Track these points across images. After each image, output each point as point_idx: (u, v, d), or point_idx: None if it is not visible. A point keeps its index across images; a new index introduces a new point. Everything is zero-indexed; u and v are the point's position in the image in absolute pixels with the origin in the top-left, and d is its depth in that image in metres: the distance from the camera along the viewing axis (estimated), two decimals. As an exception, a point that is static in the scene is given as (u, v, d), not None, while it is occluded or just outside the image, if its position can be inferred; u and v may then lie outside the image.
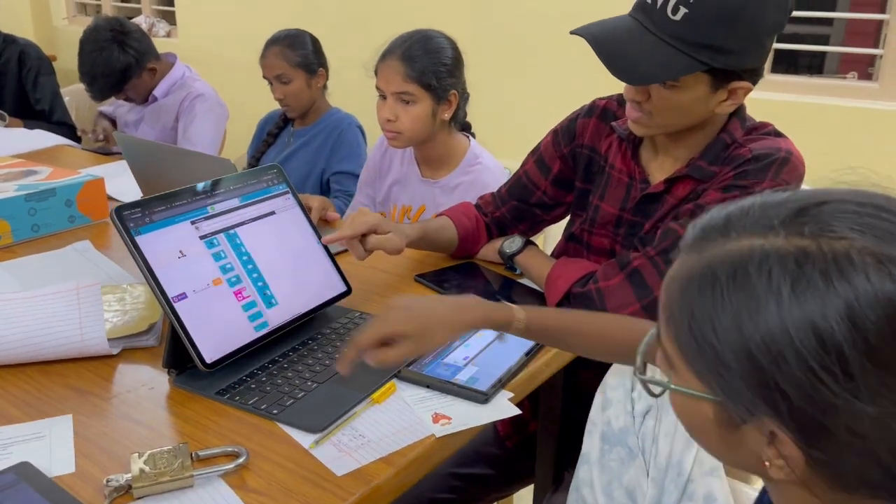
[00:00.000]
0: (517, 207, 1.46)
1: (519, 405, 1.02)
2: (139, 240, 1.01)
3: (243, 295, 1.10)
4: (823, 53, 7.75)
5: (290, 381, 1.03)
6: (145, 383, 1.04)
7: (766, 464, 0.56)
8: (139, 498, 0.81)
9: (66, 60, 3.66)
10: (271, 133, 2.37)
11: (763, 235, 0.55)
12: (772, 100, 2.48)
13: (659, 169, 1.27)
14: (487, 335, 1.16)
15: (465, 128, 1.81)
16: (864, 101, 2.40)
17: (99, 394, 1.02)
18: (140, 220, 1.02)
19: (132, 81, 2.49)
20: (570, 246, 1.40)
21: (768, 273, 0.52)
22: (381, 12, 3.29)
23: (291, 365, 1.07)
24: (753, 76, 1.13)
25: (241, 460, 0.86)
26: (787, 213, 0.55)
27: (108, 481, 0.81)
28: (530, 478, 1.47)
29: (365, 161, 2.02)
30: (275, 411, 0.96)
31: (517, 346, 1.13)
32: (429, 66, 1.62)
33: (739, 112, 1.22)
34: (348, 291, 1.26)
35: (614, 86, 1.28)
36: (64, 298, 1.11)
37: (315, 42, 2.28)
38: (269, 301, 1.13)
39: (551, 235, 1.71)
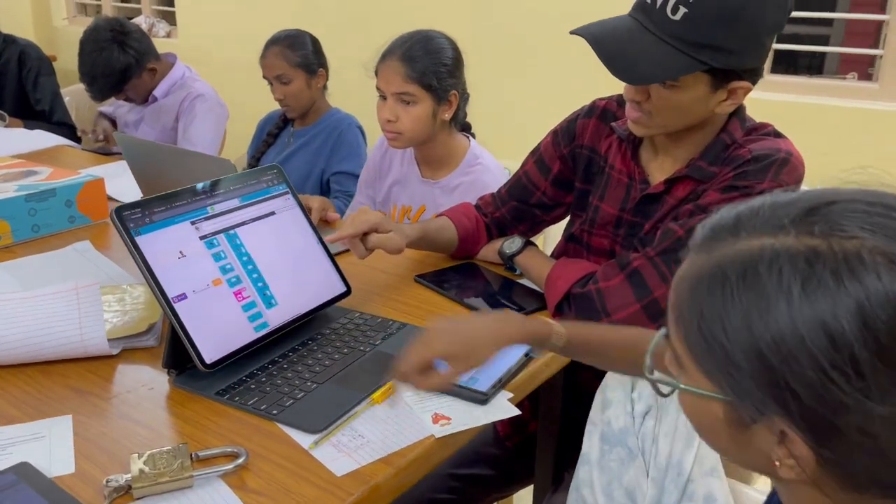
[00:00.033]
0: (517, 208, 1.46)
1: (519, 405, 1.02)
2: (139, 240, 1.01)
3: (243, 295, 1.10)
4: (823, 54, 7.75)
5: (290, 381, 1.03)
6: (145, 383, 1.04)
7: (777, 463, 0.56)
8: (139, 498, 0.81)
9: (67, 61, 3.66)
10: (271, 133, 2.37)
11: (773, 235, 0.54)
12: (772, 100, 2.48)
13: (659, 169, 1.27)
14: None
15: (466, 128, 1.81)
16: (864, 102, 2.40)
17: (99, 394, 1.02)
18: (140, 221, 1.02)
19: (132, 82, 2.49)
20: (569, 246, 1.40)
21: (779, 272, 0.52)
22: (381, 12, 3.30)
23: (291, 365, 1.07)
24: (753, 76, 1.13)
25: (240, 461, 0.86)
26: (798, 212, 0.55)
27: (107, 482, 0.82)
28: (530, 478, 1.47)
29: (365, 161, 2.02)
30: (274, 412, 0.96)
31: (517, 346, 1.13)
32: (429, 66, 1.62)
33: (739, 112, 1.22)
34: (348, 292, 1.26)
35: (614, 86, 1.28)
36: (63, 299, 1.11)
37: (315, 42, 2.28)
38: (269, 301, 1.13)
39: (551, 236, 1.71)
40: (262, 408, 0.97)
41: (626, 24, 1.13)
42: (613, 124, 1.32)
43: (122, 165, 2.01)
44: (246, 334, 1.08)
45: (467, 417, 0.97)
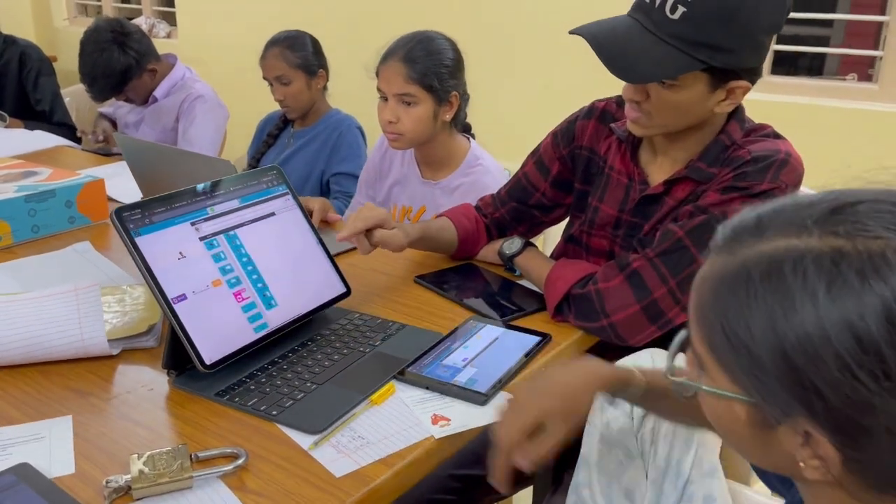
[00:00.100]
0: (516, 209, 1.46)
1: (518, 406, 1.02)
2: (139, 241, 1.01)
3: (243, 296, 1.10)
4: (823, 55, 7.74)
5: (290, 382, 1.03)
6: (145, 384, 1.04)
7: (801, 465, 0.55)
8: (138, 499, 0.81)
9: (67, 61, 3.66)
10: (271, 134, 2.37)
11: (797, 235, 0.54)
12: (772, 101, 2.48)
13: (658, 170, 1.27)
14: (485, 337, 1.16)
15: (466, 129, 1.81)
16: (864, 103, 2.40)
17: (98, 395, 1.02)
18: (140, 222, 1.03)
19: (132, 82, 2.49)
20: (569, 247, 1.40)
21: (803, 273, 0.52)
22: (381, 14, 3.30)
23: (291, 366, 1.07)
24: (752, 76, 1.14)
25: (240, 461, 0.86)
26: (821, 212, 0.55)
27: (107, 482, 0.82)
28: (530, 479, 1.46)
29: (365, 162, 2.02)
30: (274, 412, 0.96)
31: (516, 347, 1.13)
32: (430, 67, 1.62)
33: (738, 113, 1.22)
34: (348, 293, 1.26)
35: (613, 87, 1.28)
36: (63, 300, 1.11)
37: (315, 43, 2.29)
38: (269, 302, 1.13)
39: (551, 237, 1.71)
40: (262, 408, 0.97)
41: (626, 23, 1.13)
42: (613, 125, 1.33)
43: (122, 166, 2.01)
44: (246, 335, 1.08)
45: (467, 418, 0.97)
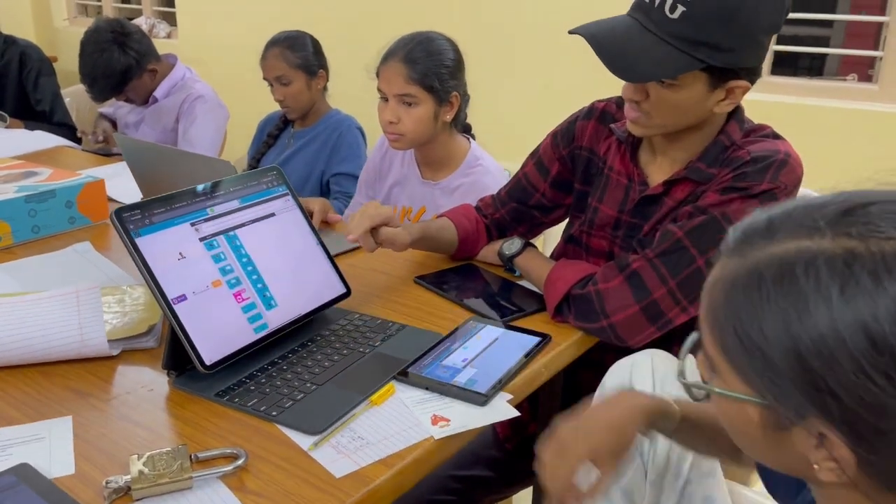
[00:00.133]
0: (516, 209, 1.47)
1: (518, 407, 1.02)
2: (139, 241, 1.01)
3: (243, 297, 1.10)
4: (823, 55, 7.74)
5: (290, 382, 1.03)
6: (145, 385, 1.04)
7: (815, 466, 0.55)
8: (138, 500, 0.81)
9: (67, 61, 3.66)
10: (271, 134, 2.37)
11: (809, 237, 0.54)
12: (772, 101, 2.49)
13: (657, 171, 1.27)
14: (485, 337, 1.16)
15: (466, 129, 1.82)
16: (864, 103, 2.41)
17: (98, 395, 1.02)
18: (140, 222, 1.03)
19: (133, 83, 2.49)
20: (568, 248, 1.40)
21: (816, 275, 0.52)
22: (381, 14, 3.30)
23: (291, 367, 1.07)
24: (751, 75, 1.14)
25: (240, 462, 0.86)
26: (833, 214, 0.55)
27: (107, 483, 0.82)
28: (529, 480, 1.47)
29: (365, 162, 2.02)
30: (274, 413, 0.96)
31: (516, 348, 1.13)
32: (431, 68, 1.62)
33: (737, 114, 1.22)
34: (348, 293, 1.26)
35: (613, 88, 1.28)
36: (64, 301, 1.11)
37: (315, 43, 2.29)
38: (269, 303, 1.13)
39: (551, 237, 1.71)
40: (262, 409, 0.97)
41: (625, 23, 1.13)
42: (612, 126, 1.33)
43: (122, 166, 2.01)
44: (245, 335, 1.08)
45: (466, 419, 0.97)
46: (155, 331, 1.15)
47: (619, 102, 1.35)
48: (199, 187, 1.12)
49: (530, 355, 1.12)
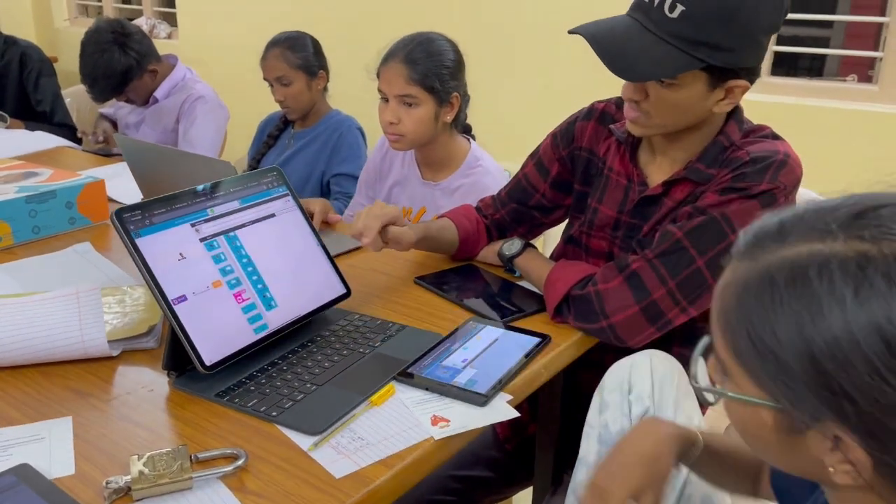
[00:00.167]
0: (516, 210, 1.47)
1: (518, 407, 1.02)
2: (139, 242, 1.01)
3: (243, 297, 1.10)
4: (823, 56, 7.76)
5: (290, 383, 1.03)
6: (145, 385, 1.05)
7: (831, 469, 0.55)
8: (138, 500, 0.81)
9: (68, 62, 3.67)
10: (271, 135, 2.37)
11: (821, 240, 0.54)
12: (772, 102, 2.49)
13: (657, 171, 1.27)
14: (485, 338, 1.16)
15: (466, 130, 1.82)
16: (864, 104, 2.41)
17: (99, 396, 1.02)
18: (140, 223, 1.03)
19: (133, 83, 2.49)
20: (568, 248, 1.40)
21: (829, 277, 0.52)
22: (381, 15, 3.30)
23: (291, 367, 1.07)
24: (750, 75, 1.14)
25: (240, 462, 0.86)
26: (845, 217, 0.55)
27: (107, 483, 0.82)
28: (529, 480, 1.47)
29: (365, 163, 2.02)
30: (274, 413, 0.96)
31: (516, 348, 1.13)
32: (431, 68, 1.62)
33: (736, 114, 1.22)
34: (348, 294, 1.26)
35: (613, 88, 1.28)
36: (64, 302, 1.12)
37: (316, 44, 2.29)
38: (269, 303, 1.13)
39: (551, 238, 1.71)
40: (262, 409, 0.97)
41: (624, 23, 1.13)
42: (612, 126, 1.33)
43: (122, 167, 2.01)
44: (246, 336, 1.08)
45: (466, 419, 0.97)
46: (155, 331, 1.16)
47: (618, 103, 1.35)
48: (200, 188, 1.12)
49: (530, 356, 1.12)
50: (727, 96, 1.15)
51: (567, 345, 1.19)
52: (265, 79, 2.26)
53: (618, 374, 1.08)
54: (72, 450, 0.90)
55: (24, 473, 0.84)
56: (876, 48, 2.49)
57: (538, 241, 1.63)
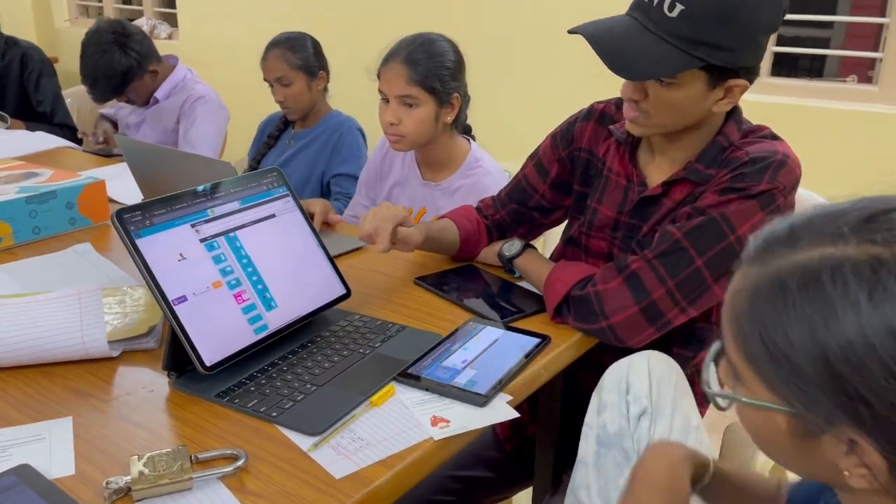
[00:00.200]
0: (516, 211, 1.47)
1: (518, 408, 1.03)
2: (139, 242, 1.02)
3: (243, 298, 1.10)
4: (824, 56, 7.76)
5: (290, 383, 1.03)
6: (145, 386, 1.05)
7: (846, 473, 0.55)
8: (138, 500, 0.81)
9: (68, 62, 3.67)
10: (272, 135, 2.37)
11: (833, 244, 0.54)
12: (772, 103, 2.49)
13: (656, 172, 1.27)
14: (485, 339, 1.16)
15: (467, 131, 1.82)
16: (864, 105, 2.41)
17: (99, 396, 1.02)
18: (140, 223, 1.03)
19: (134, 84, 2.50)
20: (568, 249, 1.40)
21: (843, 281, 0.52)
22: (381, 15, 3.30)
23: (291, 367, 1.07)
24: (750, 74, 1.14)
25: (239, 463, 0.86)
26: (856, 220, 0.55)
27: (107, 483, 0.82)
28: (529, 480, 1.47)
29: (365, 163, 2.03)
30: (274, 414, 0.96)
31: (516, 349, 1.13)
32: (432, 69, 1.62)
33: (735, 115, 1.22)
34: (348, 294, 1.27)
35: (612, 89, 1.28)
36: (65, 303, 1.12)
37: (316, 45, 2.29)
38: (269, 304, 1.13)
39: (551, 239, 1.71)
40: (262, 410, 0.97)
41: (624, 22, 1.13)
42: (611, 127, 1.33)
43: (122, 167, 2.01)
44: (246, 336, 1.08)
45: (466, 420, 0.97)
46: (155, 332, 1.16)
47: (618, 104, 1.35)
48: (200, 188, 1.12)
49: (530, 356, 1.12)
50: (726, 96, 1.15)
51: (567, 345, 1.19)
52: (265, 79, 2.26)
53: (616, 374, 1.08)
54: (72, 450, 0.90)
55: (25, 474, 0.84)
56: (876, 49, 2.49)
57: (538, 242, 1.63)
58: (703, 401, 1.40)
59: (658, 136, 1.24)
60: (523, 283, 1.39)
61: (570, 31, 1.14)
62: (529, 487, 1.49)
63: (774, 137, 1.21)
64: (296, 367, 1.08)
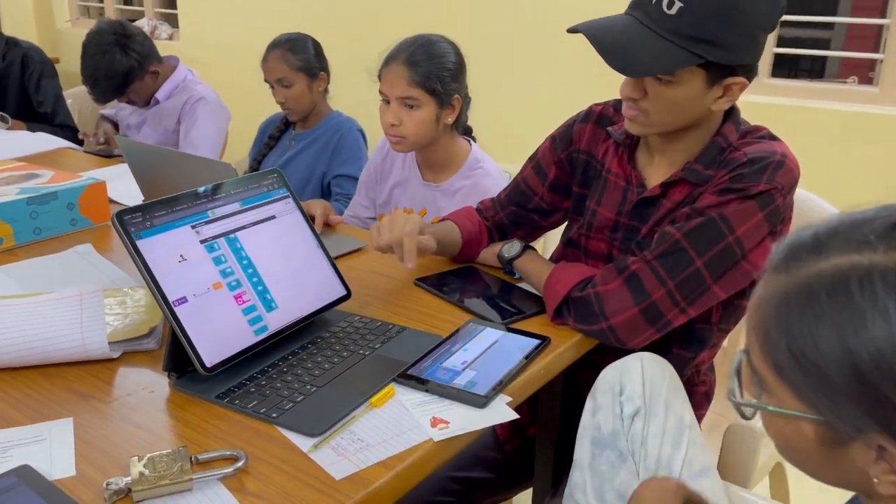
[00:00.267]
0: (515, 213, 1.47)
1: (518, 409, 1.03)
2: (140, 244, 1.02)
3: (243, 299, 1.10)
4: (824, 57, 7.75)
5: (290, 384, 1.03)
6: (146, 387, 1.05)
7: (875, 480, 0.55)
8: (139, 501, 0.81)
9: (69, 63, 3.67)
10: (272, 136, 2.37)
11: (859, 251, 0.54)
12: (772, 104, 2.49)
13: (655, 173, 1.27)
14: (485, 340, 1.16)
15: (467, 132, 1.82)
16: (865, 106, 2.41)
17: (99, 397, 1.02)
18: (141, 224, 1.03)
19: (134, 84, 2.50)
20: (568, 251, 1.40)
21: (871, 289, 0.52)
22: (381, 16, 3.31)
23: (291, 369, 1.08)
24: (748, 72, 1.15)
25: (240, 464, 0.86)
26: (882, 228, 0.55)
27: (107, 484, 0.82)
28: (529, 481, 1.47)
29: (366, 164, 2.03)
30: (274, 415, 0.96)
31: (516, 350, 1.14)
32: (433, 70, 1.62)
33: (734, 115, 1.23)
34: (348, 295, 1.27)
35: (612, 89, 1.28)
36: (66, 304, 1.12)
37: (317, 46, 2.29)
38: (269, 305, 1.13)
39: (551, 240, 1.72)
40: (262, 411, 0.97)
41: (623, 20, 1.14)
42: (610, 129, 1.33)
43: (123, 168, 2.01)
44: (246, 338, 1.08)
45: (466, 421, 0.97)
46: (156, 333, 1.16)
47: (616, 105, 1.35)
48: (200, 190, 1.13)
49: (530, 357, 1.12)
50: (725, 94, 1.15)
51: (567, 346, 1.19)
52: (266, 80, 2.26)
53: (609, 376, 1.08)
54: (72, 451, 0.90)
55: (25, 474, 0.84)
56: (876, 50, 2.49)
57: (538, 244, 1.64)
58: (702, 401, 1.41)
59: (656, 136, 1.24)
60: (523, 285, 1.39)
61: (570, 30, 1.15)
62: (529, 488, 1.49)
63: (773, 138, 1.22)
64: (296, 368, 1.08)
